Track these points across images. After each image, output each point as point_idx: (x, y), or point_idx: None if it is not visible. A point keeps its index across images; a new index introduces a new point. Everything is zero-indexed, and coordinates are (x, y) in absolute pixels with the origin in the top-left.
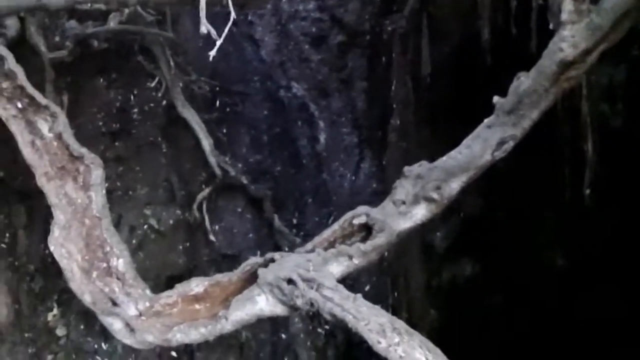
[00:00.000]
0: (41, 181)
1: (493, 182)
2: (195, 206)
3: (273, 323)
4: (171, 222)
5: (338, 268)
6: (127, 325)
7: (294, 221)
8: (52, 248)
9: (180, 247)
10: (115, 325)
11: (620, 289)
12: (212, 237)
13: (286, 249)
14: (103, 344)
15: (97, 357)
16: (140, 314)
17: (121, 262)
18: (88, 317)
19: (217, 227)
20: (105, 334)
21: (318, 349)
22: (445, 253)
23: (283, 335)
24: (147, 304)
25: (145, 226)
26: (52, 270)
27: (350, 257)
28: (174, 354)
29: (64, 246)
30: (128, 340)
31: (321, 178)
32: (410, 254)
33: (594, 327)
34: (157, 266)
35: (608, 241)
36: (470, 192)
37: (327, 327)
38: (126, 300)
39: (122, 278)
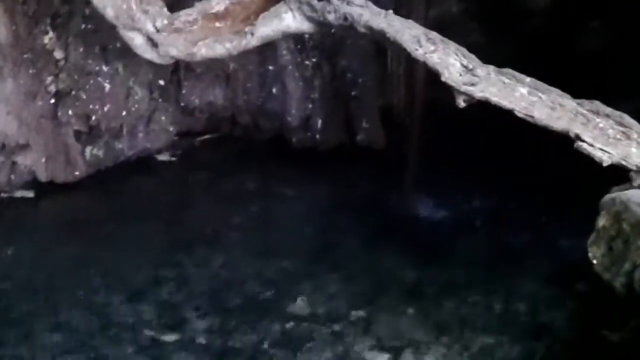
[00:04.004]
0: None
1: None
2: None
3: (261, 55)
4: None
5: None
6: (150, 39)
7: None
8: None
9: None
10: (137, 40)
11: None
12: None
13: None
14: (104, 66)
15: (99, 79)
16: (158, 31)
17: None
18: (86, 39)
19: None
20: (105, 56)
21: (306, 79)
22: None
23: (271, 67)
24: (166, 21)
25: None
26: None
27: None
28: (162, 82)
29: None
30: (149, 54)
31: None
32: None
33: None
34: None
35: None
36: None
37: (314, 59)
38: (143, 17)
39: None
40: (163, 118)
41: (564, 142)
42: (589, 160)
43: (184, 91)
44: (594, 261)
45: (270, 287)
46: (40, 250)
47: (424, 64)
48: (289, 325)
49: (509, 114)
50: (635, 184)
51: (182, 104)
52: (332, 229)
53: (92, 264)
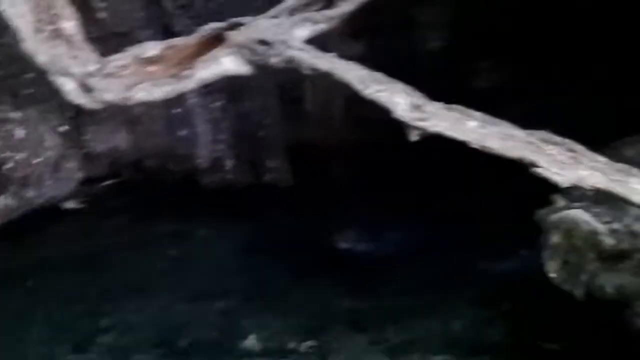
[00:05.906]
0: None
1: None
2: None
3: (166, 99)
4: None
5: (304, 32)
6: (82, 85)
7: (182, 2)
8: (2, 7)
9: None
10: (67, 86)
11: None
12: (100, 15)
13: (176, 28)
14: (15, 113)
15: (11, 126)
16: (90, 76)
17: (70, 25)
18: None
19: (104, 5)
20: (16, 103)
21: (214, 121)
22: None
23: (177, 110)
24: (97, 66)
25: None
26: None
27: (316, 22)
28: (66, 128)
29: (15, 5)
30: (82, 100)
31: None
32: None
33: None
34: None
35: None
36: None
37: (220, 102)
38: (73, 63)
39: (70, 41)
40: (69, 165)
41: (480, 177)
42: (505, 193)
43: (87, 137)
44: (552, 275)
45: (213, 327)
46: None
47: (372, 103)
48: None
49: (428, 153)
50: (558, 205)
51: (86, 151)
52: (257, 267)
53: (28, 316)
